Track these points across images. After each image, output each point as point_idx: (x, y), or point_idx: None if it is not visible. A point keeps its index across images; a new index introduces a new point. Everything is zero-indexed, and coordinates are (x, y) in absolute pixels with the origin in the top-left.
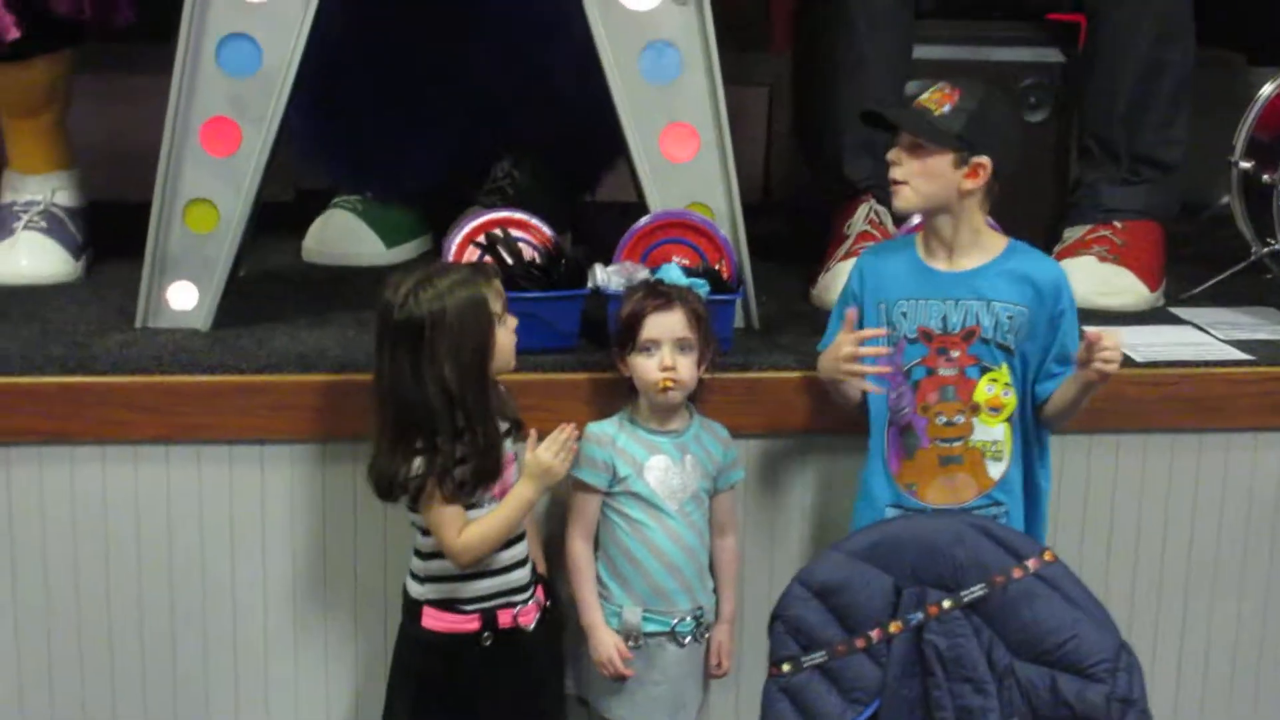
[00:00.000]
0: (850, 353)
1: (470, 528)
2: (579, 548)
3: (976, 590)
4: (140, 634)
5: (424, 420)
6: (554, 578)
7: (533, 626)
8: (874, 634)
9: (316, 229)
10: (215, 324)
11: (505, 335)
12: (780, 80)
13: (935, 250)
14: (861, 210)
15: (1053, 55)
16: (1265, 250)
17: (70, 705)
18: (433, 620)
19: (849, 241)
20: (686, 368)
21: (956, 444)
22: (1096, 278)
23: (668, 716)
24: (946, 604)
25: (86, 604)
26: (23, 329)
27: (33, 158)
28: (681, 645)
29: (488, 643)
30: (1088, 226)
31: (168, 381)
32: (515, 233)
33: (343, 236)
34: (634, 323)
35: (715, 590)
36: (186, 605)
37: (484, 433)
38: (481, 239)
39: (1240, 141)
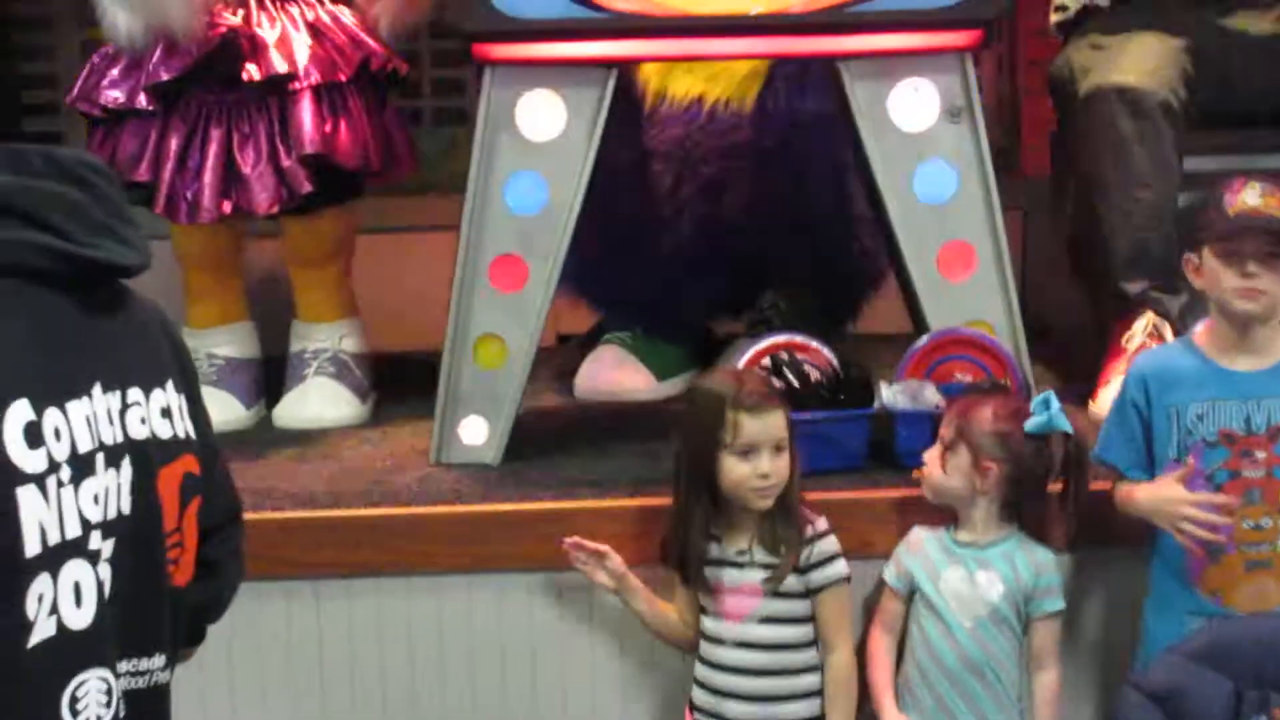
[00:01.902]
0: (1190, 515)
1: None
2: (873, 636)
3: None
4: None
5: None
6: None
7: None
8: None
9: (589, 364)
10: (503, 458)
11: (738, 466)
12: (1033, 204)
13: (1226, 349)
14: (1140, 323)
15: None
16: None
17: None
18: None
19: (1129, 354)
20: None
21: (1264, 548)
22: None
23: None
24: None
25: None
26: (322, 467)
27: (320, 307)
28: None
29: None
30: None
31: (469, 511)
32: (799, 355)
33: (615, 370)
34: None
35: None
36: None
37: (684, 526)
38: (766, 362)
39: None
